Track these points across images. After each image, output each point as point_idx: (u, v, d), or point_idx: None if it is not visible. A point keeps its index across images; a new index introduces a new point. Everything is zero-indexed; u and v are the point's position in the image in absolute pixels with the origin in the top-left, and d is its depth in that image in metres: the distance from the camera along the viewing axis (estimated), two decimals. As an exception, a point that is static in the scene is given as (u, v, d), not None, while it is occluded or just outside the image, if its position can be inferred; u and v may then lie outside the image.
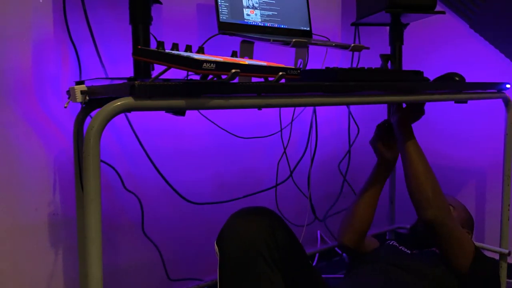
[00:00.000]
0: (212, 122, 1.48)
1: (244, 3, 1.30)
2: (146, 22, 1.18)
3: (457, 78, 1.47)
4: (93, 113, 1.05)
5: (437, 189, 1.29)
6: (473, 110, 1.88)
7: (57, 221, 1.26)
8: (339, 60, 1.89)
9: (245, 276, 1.05)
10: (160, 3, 1.25)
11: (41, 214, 1.23)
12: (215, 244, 1.09)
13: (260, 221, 1.10)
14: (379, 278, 1.26)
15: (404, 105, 1.46)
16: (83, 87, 0.95)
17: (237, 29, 1.27)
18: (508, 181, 1.62)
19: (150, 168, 1.38)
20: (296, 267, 1.14)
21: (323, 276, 1.25)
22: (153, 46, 1.20)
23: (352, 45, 1.31)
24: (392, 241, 1.50)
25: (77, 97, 0.94)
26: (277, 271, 1.07)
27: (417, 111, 1.44)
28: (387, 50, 1.66)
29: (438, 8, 1.58)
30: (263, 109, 1.57)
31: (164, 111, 0.96)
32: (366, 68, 1.24)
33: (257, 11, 1.33)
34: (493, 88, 1.54)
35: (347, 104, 1.83)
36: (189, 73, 1.29)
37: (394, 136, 1.46)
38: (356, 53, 1.87)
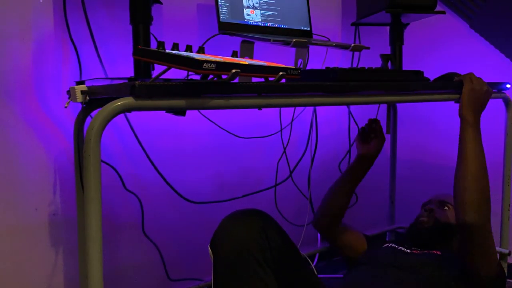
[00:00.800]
0: (212, 122, 1.48)
1: (244, 3, 1.30)
2: (147, 22, 1.18)
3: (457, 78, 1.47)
4: (93, 113, 1.05)
5: (484, 195, 1.21)
6: (473, 110, 1.87)
7: (57, 221, 1.26)
8: (339, 60, 1.89)
9: (237, 277, 1.06)
10: (160, 3, 1.25)
11: (41, 214, 1.23)
12: (209, 247, 1.11)
13: (252, 222, 1.12)
14: (377, 278, 1.26)
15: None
16: (83, 87, 0.95)
17: (237, 29, 1.27)
18: (508, 181, 1.62)
19: (150, 168, 1.38)
20: (289, 267, 1.15)
21: (322, 275, 1.25)
22: (153, 46, 1.20)
23: (352, 45, 1.31)
24: (391, 244, 1.49)
25: (77, 97, 0.95)
26: (269, 272, 1.08)
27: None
28: (387, 50, 1.66)
29: (438, 8, 1.58)
30: (263, 109, 1.57)
31: (164, 111, 0.96)
32: (366, 68, 1.24)
33: (257, 11, 1.33)
34: (493, 88, 1.54)
35: (347, 104, 1.82)
36: (190, 73, 1.28)
37: (374, 132, 1.48)
38: (356, 53, 1.87)
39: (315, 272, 1.29)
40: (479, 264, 1.22)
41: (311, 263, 1.31)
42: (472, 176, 1.21)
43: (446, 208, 1.47)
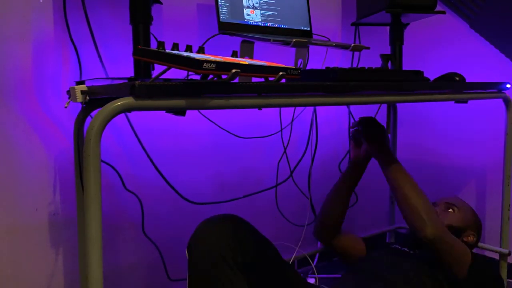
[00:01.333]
0: (212, 122, 1.48)
1: (244, 3, 1.30)
2: (147, 22, 1.18)
3: (457, 78, 1.47)
4: (93, 113, 1.05)
5: (429, 208, 1.28)
6: (473, 110, 1.88)
7: (57, 221, 1.26)
8: (339, 60, 1.89)
9: (207, 279, 1.12)
10: (161, 3, 1.25)
11: (41, 214, 1.23)
12: (186, 251, 1.16)
13: (223, 226, 1.17)
14: (376, 277, 1.27)
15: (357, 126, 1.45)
16: (83, 87, 0.95)
17: (237, 29, 1.27)
18: (508, 181, 1.62)
19: (150, 168, 1.38)
20: (264, 270, 1.20)
21: (322, 276, 1.26)
22: (153, 46, 1.20)
23: (352, 45, 1.31)
24: (395, 244, 1.50)
25: (77, 97, 0.95)
26: (240, 275, 1.12)
27: (372, 126, 1.43)
28: (387, 50, 1.66)
29: (438, 8, 1.58)
30: (263, 109, 1.57)
31: (164, 111, 0.96)
32: (366, 68, 1.24)
33: (257, 11, 1.33)
34: (493, 88, 1.55)
35: (347, 104, 1.82)
36: (190, 73, 1.29)
37: (364, 136, 1.46)
38: (356, 53, 1.87)
39: (300, 276, 1.32)
40: (452, 267, 1.28)
41: (292, 266, 1.32)
42: (411, 198, 1.28)
43: (450, 210, 1.47)
